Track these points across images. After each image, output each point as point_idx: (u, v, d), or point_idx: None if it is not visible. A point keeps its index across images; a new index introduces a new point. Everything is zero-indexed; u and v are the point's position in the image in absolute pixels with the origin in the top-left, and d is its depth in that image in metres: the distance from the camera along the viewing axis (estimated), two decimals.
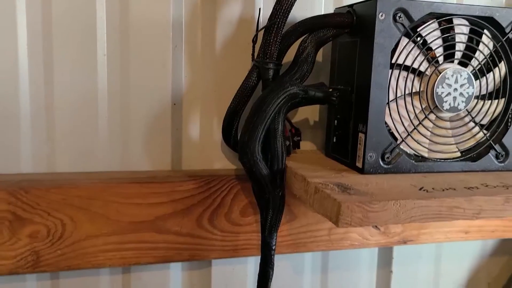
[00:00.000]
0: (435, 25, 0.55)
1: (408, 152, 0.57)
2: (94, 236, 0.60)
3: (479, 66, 0.57)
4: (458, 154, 0.59)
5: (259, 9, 0.65)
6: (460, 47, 0.57)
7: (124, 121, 0.64)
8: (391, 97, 0.55)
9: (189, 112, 0.66)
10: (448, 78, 0.55)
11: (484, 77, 0.58)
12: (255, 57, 0.61)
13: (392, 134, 0.56)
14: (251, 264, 0.72)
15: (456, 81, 0.56)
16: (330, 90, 0.59)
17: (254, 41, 0.61)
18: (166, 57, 0.64)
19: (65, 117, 0.62)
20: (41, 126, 0.61)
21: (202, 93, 0.66)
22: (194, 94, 0.66)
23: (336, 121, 0.63)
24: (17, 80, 0.59)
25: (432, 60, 0.56)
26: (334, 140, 0.64)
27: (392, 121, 0.56)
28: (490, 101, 0.59)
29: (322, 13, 0.68)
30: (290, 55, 0.60)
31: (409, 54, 0.55)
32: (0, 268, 0.58)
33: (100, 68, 0.62)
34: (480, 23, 0.57)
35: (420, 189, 0.49)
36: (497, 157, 0.59)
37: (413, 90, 0.56)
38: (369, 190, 0.48)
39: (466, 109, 0.58)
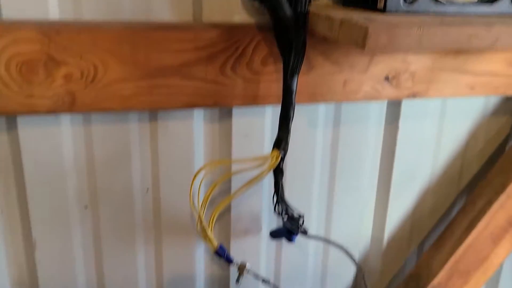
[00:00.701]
0: None
1: None
2: (125, 79, 0.63)
3: None
4: None
5: None
6: None
7: None
8: None
9: None
10: None
11: None
12: None
13: None
14: (269, 116, 0.76)
15: None
16: None
17: None
18: None
19: None
20: None
21: None
22: None
23: None
24: None
25: None
26: None
27: None
28: None
29: None
30: None
31: None
32: (39, 107, 0.62)
33: None
34: None
35: (441, 22, 0.52)
36: None
37: None
38: (392, 21, 0.51)
39: None
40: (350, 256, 0.63)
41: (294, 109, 0.65)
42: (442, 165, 0.89)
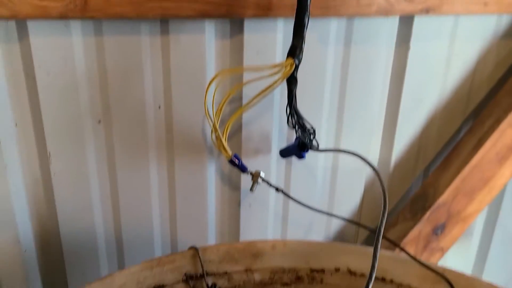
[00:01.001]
0: None
1: None
2: None
3: None
4: None
5: None
6: None
7: None
8: None
9: None
10: None
11: None
12: None
13: None
14: (281, 31, 0.75)
15: None
16: None
17: None
18: None
19: None
20: None
21: None
22: None
23: None
24: None
25: None
26: None
27: None
28: None
29: None
30: None
31: None
32: (50, 9, 0.61)
33: None
34: None
35: None
36: None
37: None
38: None
39: None
40: (366, 161, 0.64)
41: (308, 16, 0.64)
42: (451, 88, 0.89)
